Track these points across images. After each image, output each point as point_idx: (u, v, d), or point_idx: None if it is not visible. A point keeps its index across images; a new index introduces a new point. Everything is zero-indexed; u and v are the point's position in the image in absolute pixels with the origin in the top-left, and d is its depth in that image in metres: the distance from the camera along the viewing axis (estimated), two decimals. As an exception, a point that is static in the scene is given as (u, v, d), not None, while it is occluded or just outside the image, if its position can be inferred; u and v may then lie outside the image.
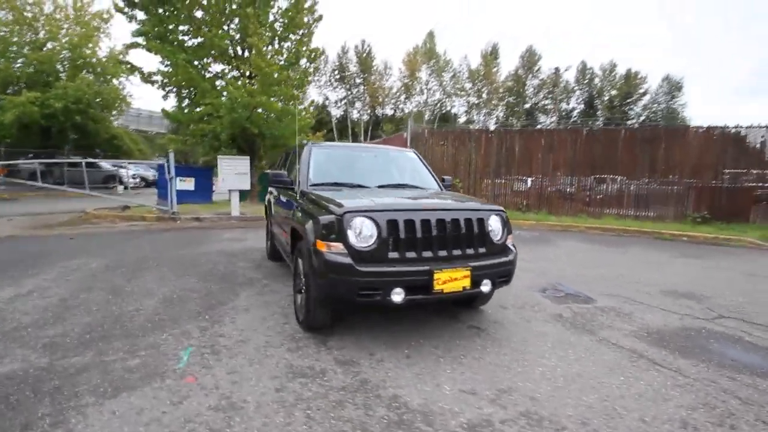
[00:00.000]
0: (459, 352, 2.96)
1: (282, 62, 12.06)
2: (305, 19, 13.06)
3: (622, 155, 11.70)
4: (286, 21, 12.77)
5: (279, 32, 12.85)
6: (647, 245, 8.14)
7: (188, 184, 12.67)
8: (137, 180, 22.93)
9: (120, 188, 19.27)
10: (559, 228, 10.10)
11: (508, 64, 67.83)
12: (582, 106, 52.70)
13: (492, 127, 46.72)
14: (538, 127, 45.29)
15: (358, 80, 51.37)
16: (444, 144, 13.25)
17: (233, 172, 10.63)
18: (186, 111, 12.90)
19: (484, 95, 51.65)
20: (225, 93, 11.80)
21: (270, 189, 5.72)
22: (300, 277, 3.41)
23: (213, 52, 12.01)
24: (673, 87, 48.88)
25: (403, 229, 2.83)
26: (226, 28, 12.17)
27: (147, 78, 12.31)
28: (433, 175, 4.53)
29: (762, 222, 10.28)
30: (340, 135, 47.29)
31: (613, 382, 2.60)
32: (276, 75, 11.35)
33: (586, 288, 4.80)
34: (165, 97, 13.00)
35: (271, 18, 12.98)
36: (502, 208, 3.37)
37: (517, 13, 76.07)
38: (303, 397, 2.33)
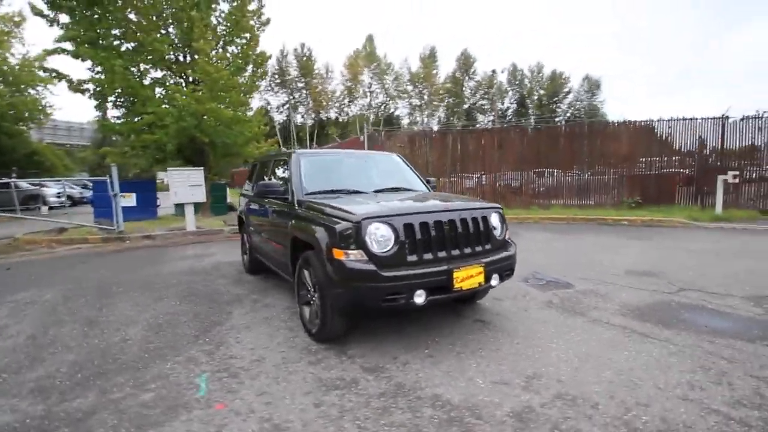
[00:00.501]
0: (476, 347, 3.08)
1: (229, 67, 11.54)
2: (251, 23, 12.63)
3: (564, 150, 12.71)
4: (230, 24, 12.25)
5: (224, 36, 12.30)
6: (596, 231, 8.91)
7: (129, 199, 11.71)
8: (62, 199, 20.69)
9: (44, 209, 17.31)
10: (516, 220, 10.71)
11: (446, 67, 70.40)
12: (515, 105, 56.15)
13: (435, 128, 48.33)
14: (478, 126, 47.53)
15: (299, 84, 50.54)
16: (402, 146, 13.49)
17: (186, 184, 10.00)
18: (124, 121, 11.91)
19: (426, 97, 53.23)
20: (169, 101, 11.06)
21: (247, 201, 5.49)
22: (307, 288, 3.34)
23: (151, 57, 11.21)
24: (592, 86, 53.73)
25: (419, 231, 2.89)
26: (164, 31, 11.42)
27: (77, 87, 11.17)
28: (419, 177, 4.64)
29: (684, 203, 11.71)
30: (284, 141, 46.17)
31: (620, 357, 2.86)
32: (224, 81, 10.84)
33: (561, 274, 5.18)
34: (99, 107, 11.89)
35: (214, 21, 12.39)
36: (499, 205, 3.55)
37: (452, 17, 79.32)
38: (346, 408, 2.30)
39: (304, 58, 49.85)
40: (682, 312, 3.74)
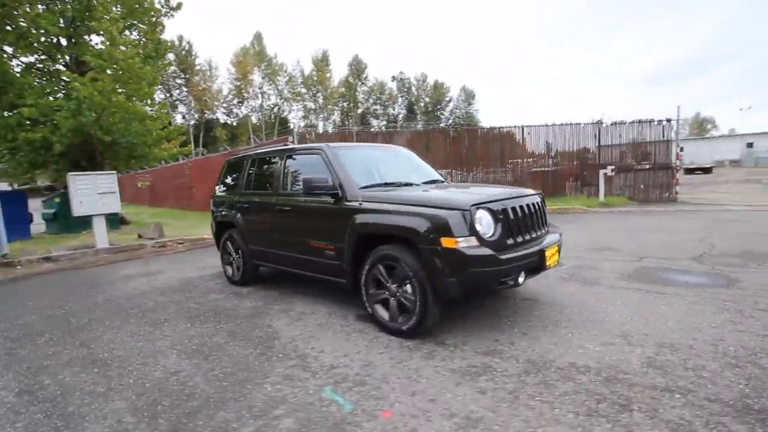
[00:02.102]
0: (551, 320, 3.35)
1: (139, 55, 9.87)
2: (157, 5, 11.04)
3: (482, 150, 14.13)
4: (132, 5, 10.51)
5: (124, 18, 10.48)
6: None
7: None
8: None
9: None
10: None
11: (339, 72, 71.09)
12: (404, 111, 59.63)
13: (330, 130, 48.28)
14: (372, 129, 49.14)
15: (179, 81, 45.41)
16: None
17: (95, 192, 8.27)
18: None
19: (320, 100, 52.92)
20: (65, 91, 8.99)
21: (238, 203, 4.85)
22: (383, 285, 3.21)
23: (29, 38, 8.96)
24: (468, 96, 60.18)
25: (511, 215, 3.04)
26: (47, 5, 9.24)
27: None
28: (435, 171, 4.77)
29: (573, 193, 14.08)
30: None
31: (661, 310, 3.43)
32: (132, 70, 9.25)
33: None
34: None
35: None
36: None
37: (342, 23, 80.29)
38: (509, 389, 2.33)
39: (183, 53, 44.93)
40: (660, 273, 4.61)
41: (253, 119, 50.14)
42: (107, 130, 9.71)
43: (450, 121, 59.34)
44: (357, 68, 54.70)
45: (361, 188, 3.55)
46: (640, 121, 13.89)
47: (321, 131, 52.72)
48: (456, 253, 2.77)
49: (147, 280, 5.71)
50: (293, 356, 2.94)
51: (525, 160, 14.55)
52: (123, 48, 9.31)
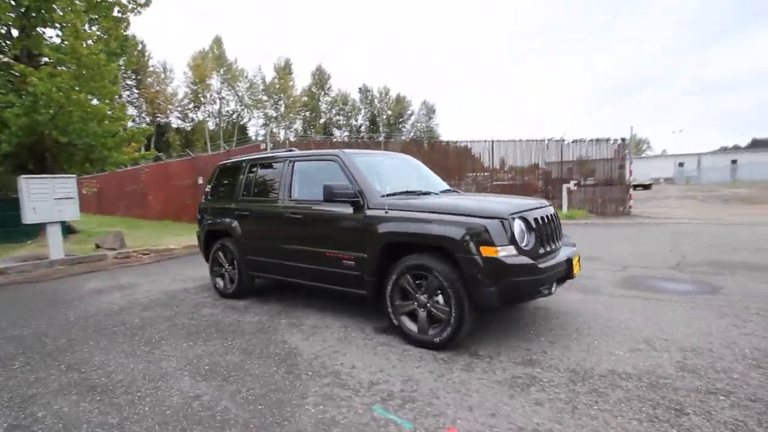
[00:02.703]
0: (574, 327, 3.41)
1: (103, 50, 9.13)
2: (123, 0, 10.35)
3: (452, 162, 14.48)
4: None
5: (87, 11, 9.71)
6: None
7: None
8: None
9: None
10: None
11: (301, 80, 70.47)
12: (367, 122, 60.03)
13: (292, 139, 47.54)
14: (335, 139, 48.97)
15: (129, 82, 42.81)
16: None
17: (51, 197, 7.48)
18: None
19: (282, 108, 52.03)
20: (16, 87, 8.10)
21: (235, 211, 4.56)
22: (415, 294, 3.12)
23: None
24: (429, 110, 61.78)
25: (542, 225, 3.09)
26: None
27: None
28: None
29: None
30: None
31: (669, 317, 3.60)
32: (96, 66, 8.55)
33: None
34: None
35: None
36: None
37: (306, 32, 79.82)
38: (563, 399, 2.31)
39: (136, 53, 42.46)
40: (648, 281, 4.88)
41: (210, 125, 48.25)
42: (63, 129, 8.86)
43: (411, 134, 60.49)
44: (320, 78, 54.49)
45: (383, 196, 3.46)
46: (597, 140, 14.91)
47: (282, 139, 51.75)
48: (497, 262, 2.75)
49: (122, 295, 5.19)
50: (324, 373, 2.76)
51: (482, 173, 15.05)
52: (89, 42, 8.60)
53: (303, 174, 4.10)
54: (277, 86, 50.30)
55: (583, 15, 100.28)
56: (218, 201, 4.97)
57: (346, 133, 56.12)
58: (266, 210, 4.27)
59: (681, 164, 47.70)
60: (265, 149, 12.70)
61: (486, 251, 2.77)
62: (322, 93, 55.48)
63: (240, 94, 47.59)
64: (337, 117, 57.86)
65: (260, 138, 52.81)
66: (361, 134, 57.05)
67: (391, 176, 3.99)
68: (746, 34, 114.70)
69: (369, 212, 3.38)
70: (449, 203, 3.20)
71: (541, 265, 2.83)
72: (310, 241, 3.84)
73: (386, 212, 3.29)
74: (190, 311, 4.33)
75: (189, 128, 47.24)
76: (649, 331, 3.29)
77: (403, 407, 2.30)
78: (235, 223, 4.56)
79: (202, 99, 44.94)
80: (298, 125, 55.31)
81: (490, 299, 2.81)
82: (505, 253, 2.77)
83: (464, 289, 2.86)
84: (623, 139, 14.60)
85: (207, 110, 46.58)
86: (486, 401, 2.33)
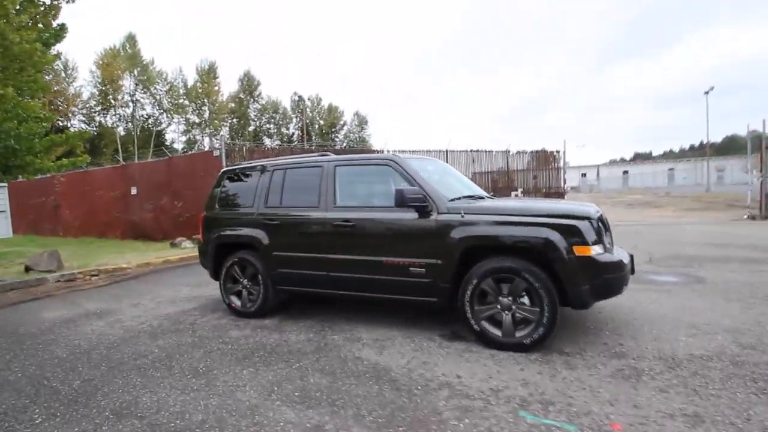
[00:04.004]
0: (622, 320, 3.68)
1: (38, 39, 7.72)
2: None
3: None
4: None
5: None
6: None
7: None
8: None
9: None
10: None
11: (228, 86, 66.72)
12: (299, 132, 58.75)
13: (217, 146, 44.65)
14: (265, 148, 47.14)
15: (18, 79, 36.78)
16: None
17: (-28, 212, 6.11)
18: None
19: (206, 115, 48.70)
20: None
21: (265, 221, 4.13)
22: (498, 297, 3.12)
23: None
24: (362, 121, 62.46)
25: (603, 226, 3.30)
26: None
27: None
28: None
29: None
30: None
31: (688, 304, 4.06)
32: (33, 57, 7.25)
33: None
34: None
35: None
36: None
37: (233, 37, 75.73)
38: (685, 385, 2.48)
39: (27, 45, 36.69)
40: (642, 276, 5.43)
41: (121, 130, 43.34)
42: (-22, 130, 7.33)
43: (344, 144, 60.53)
44: (249, 84, 52.13)
45: (450, 200, 3.43)
46: (536, 151, 16.36)
47: (207, 147, 48.39)
48: (591, 261, 2.88)
49: (106, 323, 4.41)
50: (434, 386, 2.62)
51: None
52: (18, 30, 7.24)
53: (348, 179, 3.89)
54: (200, 90, 47.01)
55: (495, 39, 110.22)
56: (231, 210, 4.49)
57: (277, 142, 54.30)
58: (304, 218, 3.96)
59: (584, 174, 54.18)
60: (219, 156, 11.82)
61: (580, 251, 2.89)
62: (251, 100, 53.14)
63: (158, 97, 43.53)
64: (268, 125, 55.81)
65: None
66: (294, 143, 55.65)
67: (441, 180, 3.96)
68: (639, 58, 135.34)
69: (441, 217, 3.32)
70: (533, 206, 3.28)
71: (625, 261, 3.03)
72: (366, 250, 3.63)
73: (462, 216, 3.26)
74: (216, 335, 3.83)
75: (95, 132, 41.88)
76: (686, 317, 3.68)
77: (547, 410, 2.28)
78: (261, 234, 4.14)
79: (112, 101, 40.18)
80: (224, 132, 52.21)
81: (585, 297, 2.92)
82: (597, 251, 2.92)
83: (555, 289, 2.94)
84: (557, 151, 16.23)
85: (118, 114, 41.76)
86: (618, 395, 2.41)
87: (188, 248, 10.14)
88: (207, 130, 49.90)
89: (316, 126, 59.77)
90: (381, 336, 3.57)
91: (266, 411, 2.42)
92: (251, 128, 53.44)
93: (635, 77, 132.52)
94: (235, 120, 51.70)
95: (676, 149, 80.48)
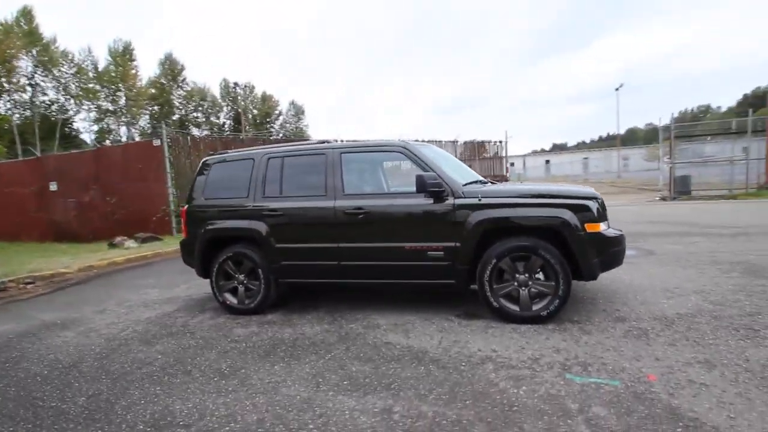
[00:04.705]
0: (609, 289, 4.11)
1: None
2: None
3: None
4: None
5: None
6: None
7: None
8: None
9: None
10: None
11: (148, 70, 60.45)
12: (231, 121, 55.48)
13: (137, 138, 40.59)
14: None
15: None
16: (212, 153, 11.51)
17: None
18: None
19: (122, 101, 43.90)
20: None
21: (271, 212, 3.90)
22: (512, 276, 3.32)
23: None
24: (298, 111, 60.63)
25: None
26: None
27: None
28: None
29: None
30: None
31: (657, 272, 4.63)
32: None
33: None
34: None
35: None
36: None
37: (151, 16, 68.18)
38: (685, 338, 2.86)
39: None
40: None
41: (16, 118, 37.48)
42: None
43: (281, 135, 58.41)
44: (172, 69, 47.75)
45: (463, 185, 3.55)
46: (482, 142, 17.23)
47: (125, 138, 43.80)
48: (600, 237, 3.18)
49: (77, 333, 3.93)
50: (476, 361, 2.73)
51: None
52: None
53: (356, 167, 3.84)
54: (115, 74, 42.16)
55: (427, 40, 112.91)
56: (222, 201, 4.18)
57: (206, 131, 50.78)
58: (311, 208, 3.83)
59: (512, 164, 58.06)
60: (161, 145, 10.82)
61: (590, 227, 3.17)
62: (175, 86, 48.89)
63: (63, 81, 38.22)
64: (195, 114, 51.88)
65: (94, 136, 43.75)
66: (225, 133, 52.42)
67: (448, 166, 4.04)
68: (549, 59, 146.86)
69: (459, 201, 3.42)
70: (542, 189, 3.50)
71: (624, 235, 3.39)
72: (381, 237, 3.63)
73: (479, 200, 3.39)
74: (220, 335, 3.59)
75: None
76: (657, 284, 4.21)
77: (587, 370, 2.51)
78: (261, 226, 3.93)
79: (5, 85, 34.46)
80: (144, 121, 47.63)
81: (595, 270, 3.23)
82: (604, 227, 3.23)
83: (568, 264, 3.21)
84: (500, 141, 17.25)
85: (13, 99, 35.96)
86: (638, 351, 2.71)
87: (133, 248, 9.21)
88: (124, 119, 45.12)
89: (250, 116, 56.87)
90: (398, 321, 3.61)
91: (324, 402, 2.36)
92: (176, 117, 49.27)
93: (551, 77, 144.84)
94: (156, 107, 47.26)
95: (587, 140, 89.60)
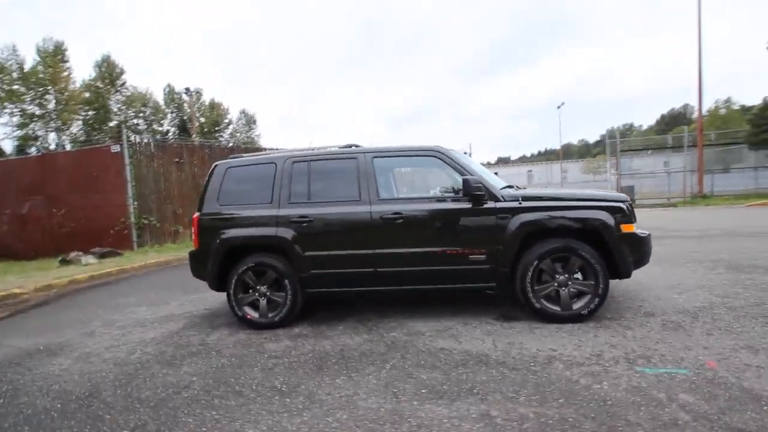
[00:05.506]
0: (620, 287, 4.36)
1: None
2: None
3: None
4: None
5: None
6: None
7: None
8: None
9: None
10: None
11: (83, 72, 55.43)
12: (176, 128, 52.48)
13: (67, 146, 37.03)
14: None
15: None
16: (180, 161, 10.80)
17: None
18: None
19: (51, 105, 39.92)
20: None
21: (301, 218, 3.68)
22: (551, 276, 3.43)
23: None
24: (249, 120, 58.76)
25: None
26: None
27: None
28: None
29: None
30: None
31: (657, 271, 4.99)
32: None
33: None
34: None
35: None
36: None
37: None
38: (717, 327, 3.09)
39: None
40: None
41: None
42: None
43: (231, 144, 56.16)
44: (109, 72, 44.32)
45: (499, 189, 3.62)
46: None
47: (53, 145, 39.78)
48: (634, 237, 3.38)
49: (73, 360, 3.45)
50: (542, 361, 2.75)
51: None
52: None
53: (389, 171, 3.78)
54: (43, 75, 38.32)
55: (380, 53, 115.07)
56: (241, 208, 3.90)
57: (146, 140, 47.52)
58: (345, 214, 3.69)
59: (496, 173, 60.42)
60: (120, 151, 9.95)
61: (626, 228, 3.36)
62: (113, 90, 45.40)
63: (-21, 80, 33.99)
64: (136, 120, 48.42)
65: (16, 142, 39.37)
66: (170, 141, 49.36)
67: (480, 170, 4.06)
68: (494, 77, 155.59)
69: (500, 204, 3.48)
70: (578, 193, 3.66)
71: (650, 235, 3.63)
72: (420, 242, 3.57)
73: (520, 203, 3.47)
74: (253, 352, 3.32)
75: None
76: (661, 282, 4.54)
77: (652, 362, 2.63)
78: (289, 233, 3.71)
79: None
80: (76, 128, 43.66)
81: (630, 268, 3.41)
82: (636, 228, 3.44)
83: (605, 262, 3.37)
84: (466, 153, 17.85)
85: None
86: (686, 342, 2.89)
87: (93, 264, 8.30)
88: (53, 124, 41.00)
89: (197, 124, 54.13)
90: (439, 327, 3.56)
91: (414, 412, 2.25)
92: (113, 123, 45.67)
93: (496, 93, 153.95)
94: (91, 112, 43.52)
95: (528, 154, 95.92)
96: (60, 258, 8.75)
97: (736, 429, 1.91)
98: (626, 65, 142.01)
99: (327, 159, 3.91)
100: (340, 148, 4.06)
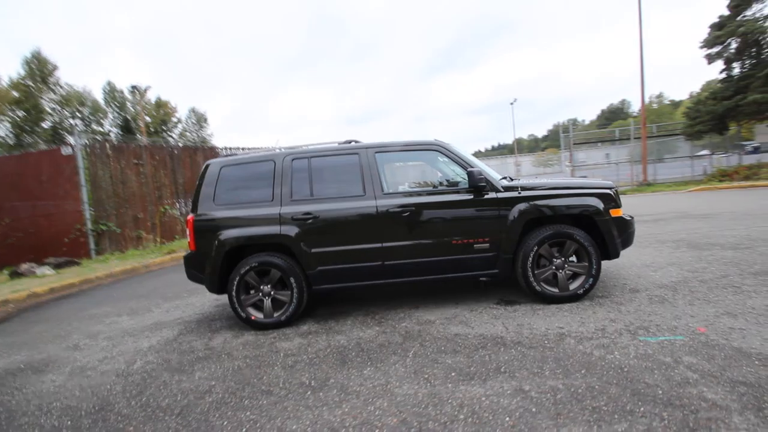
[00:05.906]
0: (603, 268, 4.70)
1: None
2: None
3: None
4: None
5: None
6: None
7: None
8: None
9: None
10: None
11: (10, 69, 50.15)
12: (118, 129, 49.04)
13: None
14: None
15: None
16: (139, 163, 10.17)
17: None
18: None
19: (-28, 105, 35.92)
20: None
21: (305, 216, 3.62)
22: (549, 260, 3.65)
23: None
24: (200, 119, 56.11)
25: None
26: None
27: None
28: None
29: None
30: None
31: (626, 252, 5.42)
32: None
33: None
34: None
35: None
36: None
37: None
38: (711, 297, 3.45)
39: None
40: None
41: None
42: None
43: (181, 144, 53.37)
44: (41, 69, 40.52)
45: (500, 180, 3.79)
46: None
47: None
48: (622, 220, 3.67)
49: (66, 375, 3.22)
50: (554, 338, 2.95)
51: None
52: None
53: (391, 165, 3.83)
54: (-40, 72, 34.30)
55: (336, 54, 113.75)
56: (240, 208, 3.79)
57: (84, 141, 44.09)
58: (351, 209, 3.69)
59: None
60: (72, 153, 9.21)
61: (614, 213, 3.65)
62: (45, 88, 41.60)
63: None
64: (72, 120, 44.70)
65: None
66: (130, 142, 46.03)
67: (480, 163, 4.21)
68: (441, 75, 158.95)
69: (501, 195, 3.65)
70: (571, 181, 3.89)
71: (634, 218, 3.95)
72: (427, 234, 3.66)
73: (519, 193, 3.66)
74: (266, 352, 3.26)
75: None
76: (635, 260, 4.95)
77: (651, 331, 2.90)
78: (293, 230, 3.67)
79: None
80: (3, 130, 39.65)
81: (618, 249, 3.70)
82: (623, 213, 3.73)
83: (596, 245, 3.64)
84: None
85: None
86: (674, 312, 3.20)
87: (50, 276, 7.64)
88: (-26, 126, 36.94)
89: (141, 123, 50.89)
90: (446, 315, 3.68)
91: (452, 393, 2.34)
92: (47, 124, 41.96)
93: (450, 91, 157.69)
94: (21, 113, 39.66)
95: (482, 149, 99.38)
96: (10, 270, 7.98)
97: (738, 382, 2.18)
98: (568, 65, 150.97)
99: (328, 155, 3.89)
100: (339, 144, 4.05)
